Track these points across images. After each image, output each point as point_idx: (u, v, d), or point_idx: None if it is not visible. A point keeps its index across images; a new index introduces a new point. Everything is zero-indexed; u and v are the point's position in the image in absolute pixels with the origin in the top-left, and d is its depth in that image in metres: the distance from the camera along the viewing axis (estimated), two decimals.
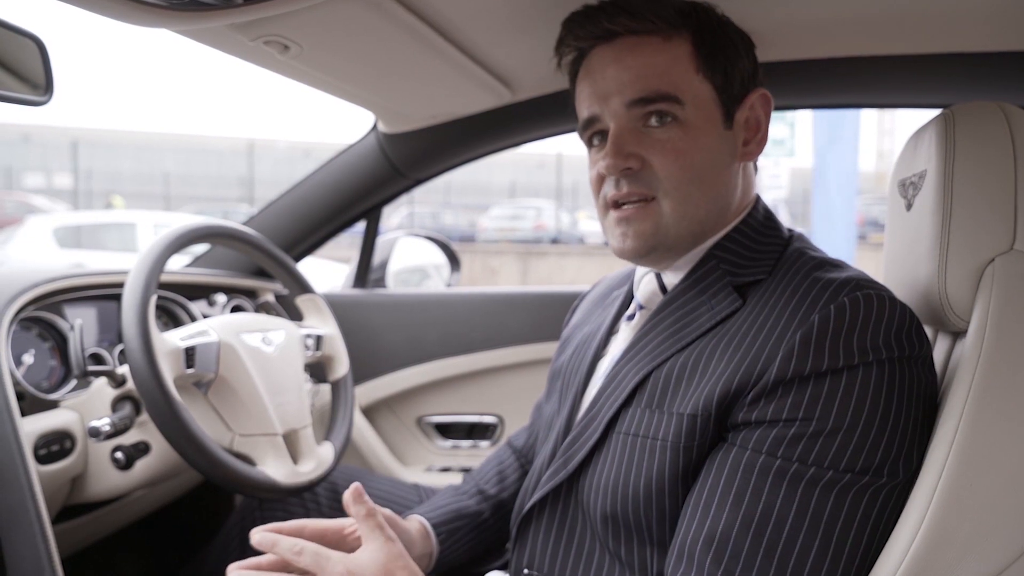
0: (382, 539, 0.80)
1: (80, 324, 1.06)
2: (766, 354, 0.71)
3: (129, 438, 1.09)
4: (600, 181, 0.86)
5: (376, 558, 0.78)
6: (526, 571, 0.88)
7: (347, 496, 0.82)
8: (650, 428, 0.77)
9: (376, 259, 1.89)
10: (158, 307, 1.36)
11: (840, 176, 8.08)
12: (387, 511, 0.94)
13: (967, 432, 0.63)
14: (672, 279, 0.87)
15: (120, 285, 1.05)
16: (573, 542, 0.85)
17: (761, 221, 0.87)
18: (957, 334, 0.77)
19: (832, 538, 0.65)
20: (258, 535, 0.82)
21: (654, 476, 0.75)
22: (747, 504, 0.68)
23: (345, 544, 0.88)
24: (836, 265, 0.78)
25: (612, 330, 0.97)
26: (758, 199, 0.90)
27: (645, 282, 0.91)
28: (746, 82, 0.86)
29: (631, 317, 0.92)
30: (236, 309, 1.55)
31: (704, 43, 0.83)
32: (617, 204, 0.84)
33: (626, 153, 0.81)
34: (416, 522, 1.01)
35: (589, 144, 0.90)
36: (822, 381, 0.68)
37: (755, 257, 0.83)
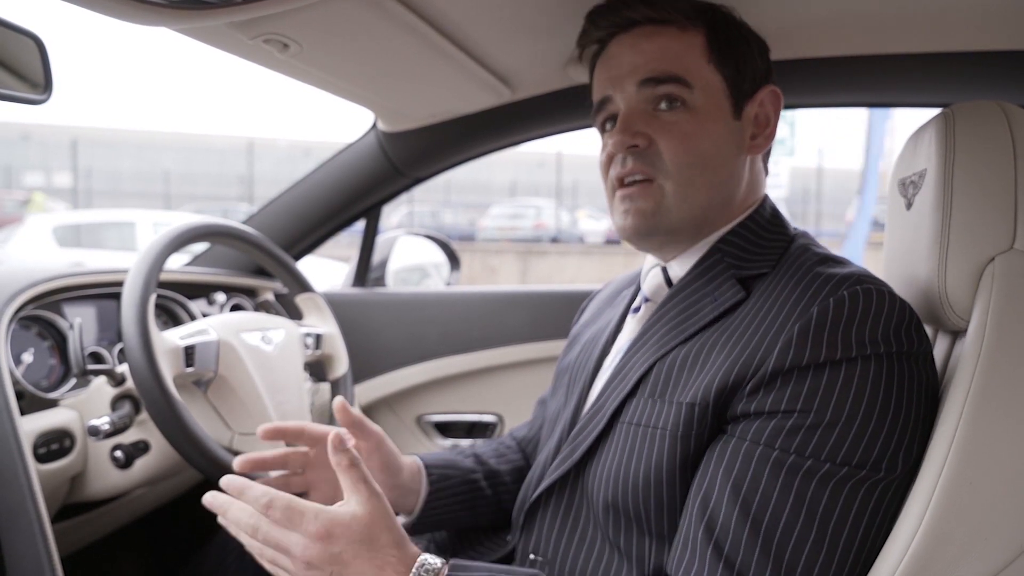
0: (366, 494, 0.71)
1: (79, 323, 1.06)
2: (765, 345, 0.71)
3: (128, 437, 1.09)
4: (609, 163, 0.88)
5: (358, 516, 0.69)
6: (531, 556, 0.90)
7: (329, 444, 0.73)
8: (652, 417, 0.78)
9: (376, 258, 1.89)
10: (158, 306, 1.36)
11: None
12: (380, 430, 0.96)
13: (967, 431, 0.63)
14: (678, 272, 0.89)
15: (119, 284, 1.05)
16: (577, 530, 0.86)
17: (768, 219, 0.88)
18: (957, 333, 0.77)
19: (827, 531, 0.66)
20: (227, 477, 0.74)
21: (653, 465, 0.76)
22: (744, 494, 0.68)
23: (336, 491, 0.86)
24: (839, 261, 0.79)
25: (619, 328, 0.98)
26: (766, 198, 0.91)
27: (651, 276, 0.92)
28: (757, 80, 0.88)
29: (637, 310, 0.94)
30: (236, 308, 1.55)
31: (717, 38, 0.86)
32: (622, 182, 0.86)
33: (634, 131, 0.84)
34: (411, 459, 1.02)
35: (602, 129, 0.93)
36: (820, 373, 0.68)
37: (759, 251, 0.84)
